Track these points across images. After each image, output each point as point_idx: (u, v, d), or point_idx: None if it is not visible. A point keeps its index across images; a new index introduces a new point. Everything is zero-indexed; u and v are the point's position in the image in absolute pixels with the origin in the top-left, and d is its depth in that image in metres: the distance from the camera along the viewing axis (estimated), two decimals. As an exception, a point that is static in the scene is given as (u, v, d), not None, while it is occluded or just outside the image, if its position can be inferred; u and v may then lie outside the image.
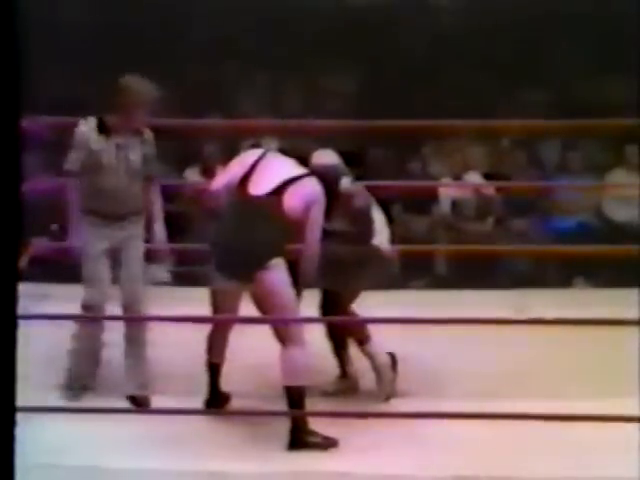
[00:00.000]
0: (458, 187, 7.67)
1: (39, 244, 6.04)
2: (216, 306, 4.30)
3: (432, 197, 7.61)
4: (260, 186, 4.18)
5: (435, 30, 8.30)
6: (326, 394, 4.64)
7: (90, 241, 4.74)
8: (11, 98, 1.91)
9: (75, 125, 4.78)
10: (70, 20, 7.90)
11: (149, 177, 4.85)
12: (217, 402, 4.46)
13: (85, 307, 4.69)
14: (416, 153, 8.00)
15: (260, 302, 4.16)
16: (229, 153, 7.76)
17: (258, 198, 4.15)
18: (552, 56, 8.38)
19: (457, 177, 7.65)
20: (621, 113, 5.46)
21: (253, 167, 4.24)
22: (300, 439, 4.09)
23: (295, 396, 4.10)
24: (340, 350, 4.73)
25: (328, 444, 4.11)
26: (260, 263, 4.08)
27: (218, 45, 8.22)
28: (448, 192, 7.62)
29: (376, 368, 4.65)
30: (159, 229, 4.93)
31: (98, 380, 4.76)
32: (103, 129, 4.69)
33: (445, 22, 8.24)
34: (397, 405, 4.46)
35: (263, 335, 4.21)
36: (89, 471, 3.87)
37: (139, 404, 4.61)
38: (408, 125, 5.94)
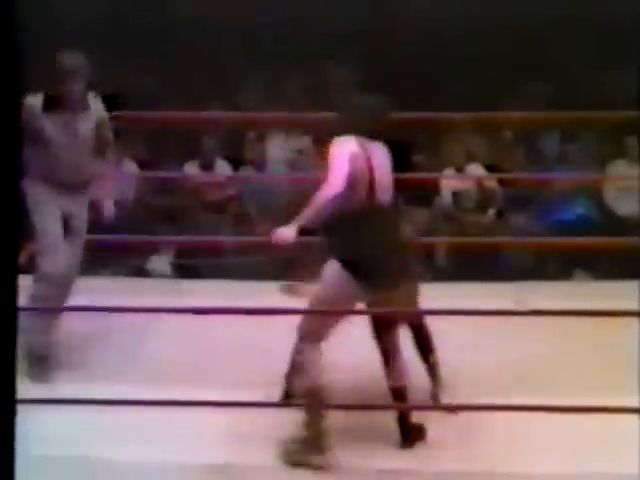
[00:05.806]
0: (459, 179, 7.67)
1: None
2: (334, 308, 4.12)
3: (434, 189, 7.62)
4: (384, 191, 4.16)
5: (437, 22, 8.29)
6: None
7: (46, 208, 4.77)
8: (11, 91, 1.92)
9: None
10: (69, 10, 7.89)
11: (103, 145, 4.95)
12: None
13: (44, 277, 4.66)
14: (418, 145, 7.99)
15: (402, 305, 4.26)
16: (229, 147, 7.82)
17: (388, 208, 4.17)
18: (553, 49, 8.38)
19: (459, 169, 7.66)
20: (621, 105, 5.47)
21: (370, 166, 4.13)
22: (411, 436, 4.17)
23: (401, 395, 4.22)
24: None
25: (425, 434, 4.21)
26: (412, 271, 4.25)
27: (220, 36, 8.22)
28: (449, 184, 7.62)
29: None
30: (108, 206, 5.03)
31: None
32: (49, 104, 4.76)
33: (448, 15, 8.22)
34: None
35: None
36: (89, 462, 3.88)
37: None
38: (410, 118, 5.94)
